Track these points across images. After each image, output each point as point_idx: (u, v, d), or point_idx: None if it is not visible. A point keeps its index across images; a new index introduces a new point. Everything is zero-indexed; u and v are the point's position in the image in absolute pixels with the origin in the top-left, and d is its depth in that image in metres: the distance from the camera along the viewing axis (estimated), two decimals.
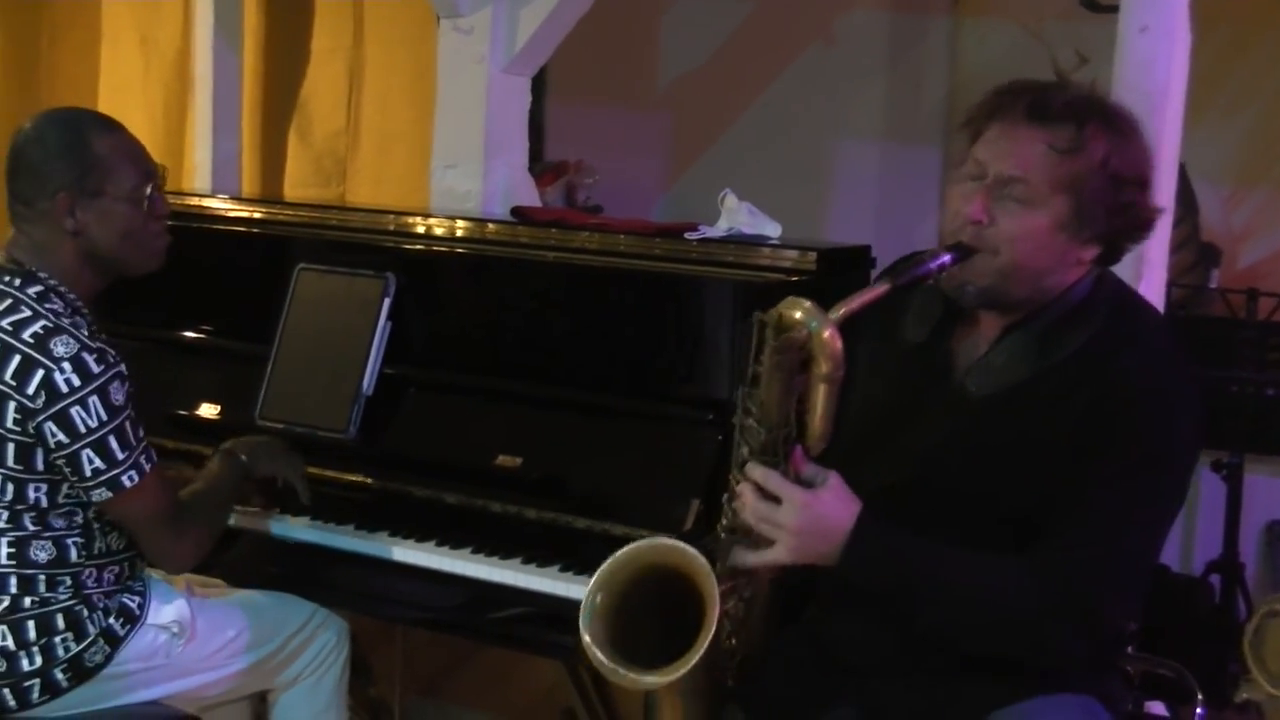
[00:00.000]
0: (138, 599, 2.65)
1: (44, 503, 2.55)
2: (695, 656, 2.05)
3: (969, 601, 2.12)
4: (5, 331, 2.50)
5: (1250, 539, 4.53)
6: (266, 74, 4.28)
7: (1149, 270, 2.84)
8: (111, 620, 2.60)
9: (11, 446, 2.51)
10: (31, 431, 2.48)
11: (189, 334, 3.43)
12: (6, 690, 2.55)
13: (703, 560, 2.11)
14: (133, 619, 2.63)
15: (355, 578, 2.88)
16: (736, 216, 3.08)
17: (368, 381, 3.04)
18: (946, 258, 2.13)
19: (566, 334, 3.03)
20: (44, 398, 2.45)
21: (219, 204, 3.69)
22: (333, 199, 4.12)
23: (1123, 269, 2.54)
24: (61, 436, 2.47)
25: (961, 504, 2.17)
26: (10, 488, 2.53)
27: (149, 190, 2.61)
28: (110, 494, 2.52)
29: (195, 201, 3.72)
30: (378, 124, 4.12)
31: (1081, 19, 4.48)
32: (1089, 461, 2.10)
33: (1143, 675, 2.69)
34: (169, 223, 2.69)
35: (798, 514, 2.09)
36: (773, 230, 3.08)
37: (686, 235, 3.06)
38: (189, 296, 3.44)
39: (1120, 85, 2.85)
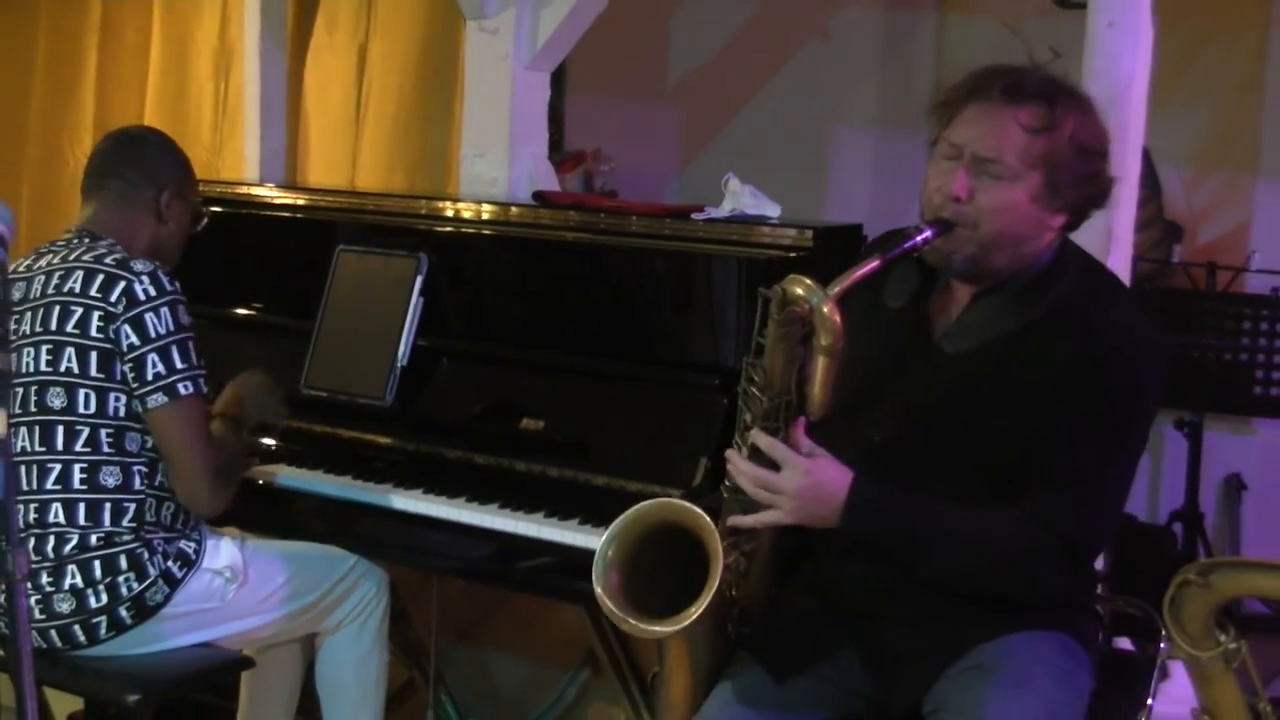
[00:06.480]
0: (194, 545, 2.81)
1: (122, 412, 2.72)
2: (698, 610, 2.11)
3: (965, 548, 2.21)
4: (86, 261, 2.75)
5: (1210, 491, 4.65)
6: (288, 64, 4.30)
7: (1117, 246, 2.91)
8: (170, 563, 2.76)
9: (95, 355, 2.71)
10: (112, 335, 2.70)
11: (240, 311, 3.56)
12: (77, 626, 2.71)
13: (708, 519, 2.17)
14: (189, 563, 2.78)
15: (393, 532, 2.98)
16: (740, 198, 3.14)
17: (403, 353, 3.15)
18: (929, 232, 2.19)
19: (584, 307, 3.12)
20: (124, 303, 2.70)
21: (267, 192, 3.77)
22: (342, 185, 4.17)
23: (1093, 244, 2.63)
24: (134, 339, 2.70)
25: (943, 457, 2.25)
26: (94, 399, 2.72)
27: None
28: (166, 399, 2.70)
29: (245, 190, 3.80)
30: (390, 113, 4.13)
31: (1055, 15, 4.58)
32: (1070, 409, 2.16)
33: (1113, 614, 2.75)
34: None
35: (799, 479, 2.17)
36: (773, 211, 3.14)
37: (694, 216, 3.12)
38: (240, 277, 3.58)
39: (1090, 76, 2.90)
